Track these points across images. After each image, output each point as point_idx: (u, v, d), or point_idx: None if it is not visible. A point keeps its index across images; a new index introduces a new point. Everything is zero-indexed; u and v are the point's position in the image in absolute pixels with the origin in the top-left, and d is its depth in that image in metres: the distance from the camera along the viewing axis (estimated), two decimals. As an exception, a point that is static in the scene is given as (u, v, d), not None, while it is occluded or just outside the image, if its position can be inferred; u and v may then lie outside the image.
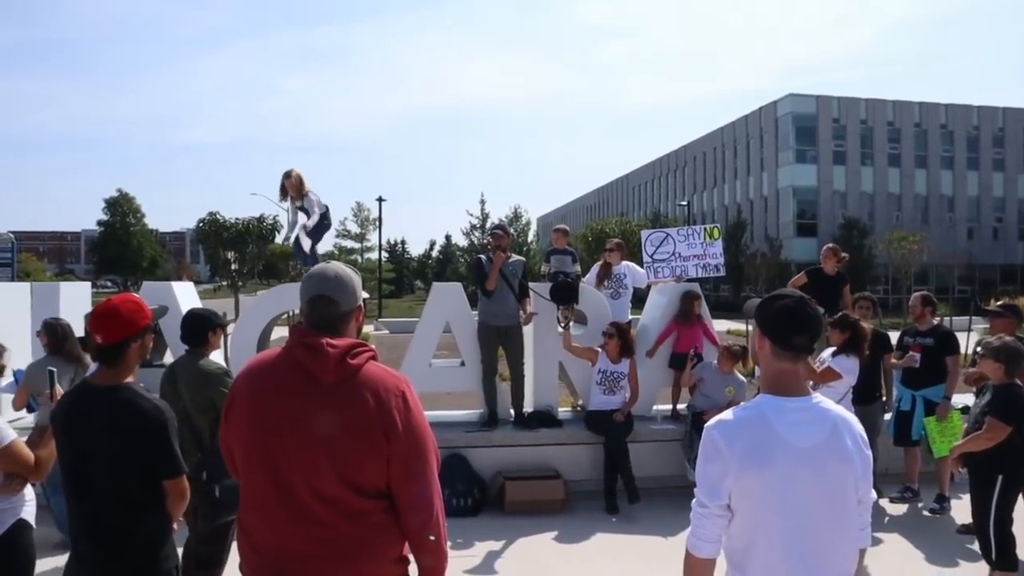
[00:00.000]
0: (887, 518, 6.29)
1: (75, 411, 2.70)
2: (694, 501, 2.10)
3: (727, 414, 2.10)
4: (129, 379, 2.75)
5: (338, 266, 2.22)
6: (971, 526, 5.69)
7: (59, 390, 3.29)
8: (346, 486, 2.01)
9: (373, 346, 2.18)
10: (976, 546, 4.75)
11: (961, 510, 6.23)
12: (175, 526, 2.86)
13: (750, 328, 17.70)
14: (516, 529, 5.86)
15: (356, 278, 2.23)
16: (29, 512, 3.16)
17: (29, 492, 3.18)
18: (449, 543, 5.77)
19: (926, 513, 6.35)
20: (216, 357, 4.63)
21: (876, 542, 5.68)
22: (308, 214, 7.39)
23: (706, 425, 2.10)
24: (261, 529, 2.09)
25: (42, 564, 4.00)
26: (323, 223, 7.56)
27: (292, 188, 7.38)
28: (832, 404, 2.09)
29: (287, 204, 7.49)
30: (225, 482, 3.74)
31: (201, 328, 4.19)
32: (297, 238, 7.46)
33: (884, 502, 6.62)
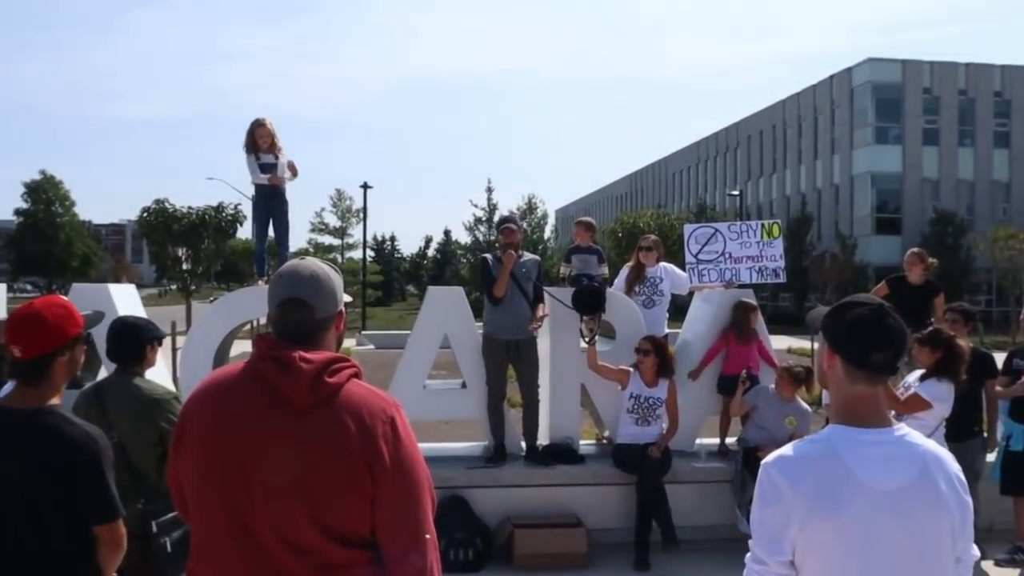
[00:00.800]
0: (994, 582, 6.27)
1: None
2: (748, 556, 2.08)
3: (788, 449, 2.10)
4: (54, 401, 2.75)
5: (314, 263, 2.23)
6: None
7: None
8: (322, 533, 2.01)
9: (356, 362, 2.20)
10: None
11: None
12: None
13: (816, 345, 17.66)
14: (527, 589, 5.89)
15: (336, 278, 2.25)
16: None
17: None
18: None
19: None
20: (155, 376, 4.58)
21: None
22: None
23: (763, 463, 2.09)
24: None
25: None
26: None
27: (265, 138, 7.61)
28: (921, 438, 2.08)
29: (254, 164, 7.70)
30: (175, 534, 3.73)
31: (136, 340, 4.05)
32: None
33: (988, 564, 6.59)
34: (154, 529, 3.79)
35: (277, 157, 7.73)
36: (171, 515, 3.71)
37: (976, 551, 2.11)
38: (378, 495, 2.05)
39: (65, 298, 2.99)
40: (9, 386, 5.34)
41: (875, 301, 2.11)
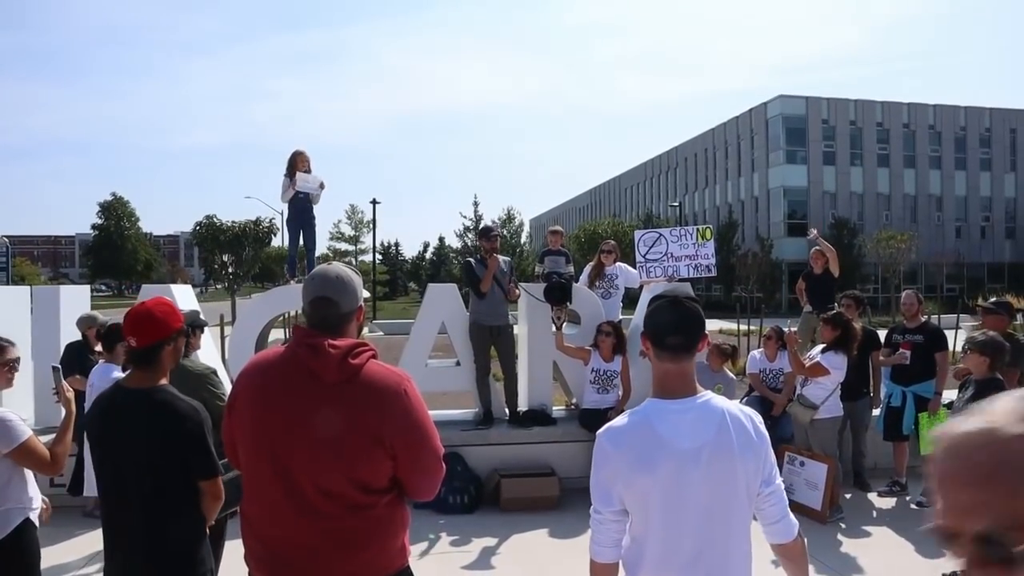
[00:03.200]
0: (875, 511, 6.37)
1: (111, 414, 2.72)
2: (591, 508, 2.07)
3: (616, 421, 2.08)
4: (162, 382, 2.77)
5: (339, 267, 2.25)
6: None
7: (66, 387, 3.32)
8: (350, 482, 2.06)
9: (373, 346, 2.23)
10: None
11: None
12: (210, 524, 2.88)
13: (752, 328, 17.77)
14: (511, 526, 5.92)
15: (357, 279, 2.27)
16: (35, 514, 3.19)
17: (35, 492, 3.21)
18: (446, 540, 5.80)
19: (914, 506, 6.43)
20: (204, 356, 4.55)
21: (864, 535, 5.79)
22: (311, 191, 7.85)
23: (597, 432, 2.08)
24: (264, 521, 2.14)
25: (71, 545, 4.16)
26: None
27: (304, 163, 7.74)
28: (722, 401, 2.04)
29: (288, 183, 7.78)
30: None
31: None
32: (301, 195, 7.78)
33: (873, 496, 6.71)
34: None
35: (307, 182, 7.82)
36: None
37: (780, 482, 2.08)
38: (398, 448, 2.10)
39: (169, 299, 3.00)
40: (101, 370, 5.31)
41: (672, 294, 2.07)
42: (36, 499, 3.21)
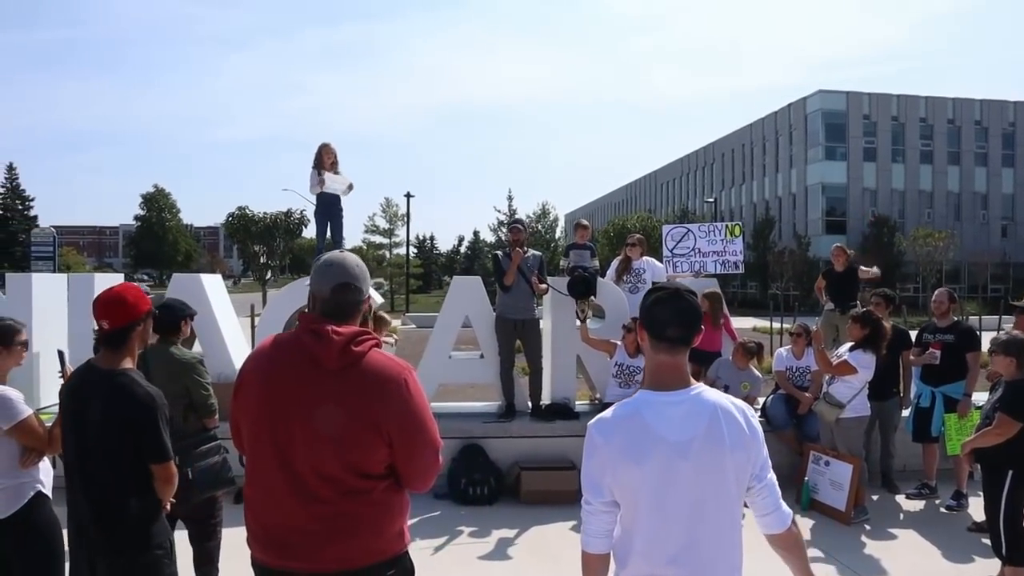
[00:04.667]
0: (903, 514, 6.25)
1: (78, 391, 2.86)
2: (582, 499, 2.07)
3: (606, 412, 2.07)
4: (128, 364, 2.88)
5: (354, 256, 2.30)
6: (982, 524, 5.67)
7: (70, 369, 3.42)
8: (347, 468, 2.09)
9: (376, 335, 2.25)
10: (991, 545, 4.72)
11: (978, 507, 6.14)
12: (166, 507, 2.98)
13: (785, 326, 17.53)
14: (531, 518, 5.93)
15: (366, 268, 2.33)
16: (47, 485, 3.31)
17: (46, 465, 3.33)
18: (466, 530, 5.83)
19: (943, 510, 6.29)
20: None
21: (891, 537, 5.68)
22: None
23: (588, 424, 2.08)
24: (265, 503, 2.18)
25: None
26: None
27: (329, 155, 7.86)
28: (715, 394, 2.03)
29: (317, 178, 7.90)
30: (199, 465, 3.84)
31: (174, 316, 4.15)
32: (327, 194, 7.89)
33: (900, 498, 6.58)
34: (177, 462, 3.89)
35: (336, 174, 7.95)
36: (195, 451, 3.85)
37: (772, 476, 2.07)
38: (394, 437, 2.12)
39: (137, 284, 3.11)
40: None
41: (673, 286, 2.06)
42: (48, 474, 3.33)
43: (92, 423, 2.76)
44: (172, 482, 2.89)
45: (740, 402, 2.07)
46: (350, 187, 8.09)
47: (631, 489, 1.97)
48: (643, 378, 2.10)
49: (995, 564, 4.81)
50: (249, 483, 2.23)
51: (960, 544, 5.50)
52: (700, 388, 2.03)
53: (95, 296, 2.90)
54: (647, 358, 2.08)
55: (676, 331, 2.00)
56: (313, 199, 8.09)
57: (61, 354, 3.55)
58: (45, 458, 3.31)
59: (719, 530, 1.99)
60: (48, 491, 3.30)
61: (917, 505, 6.44)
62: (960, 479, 6.34)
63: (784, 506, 2.10)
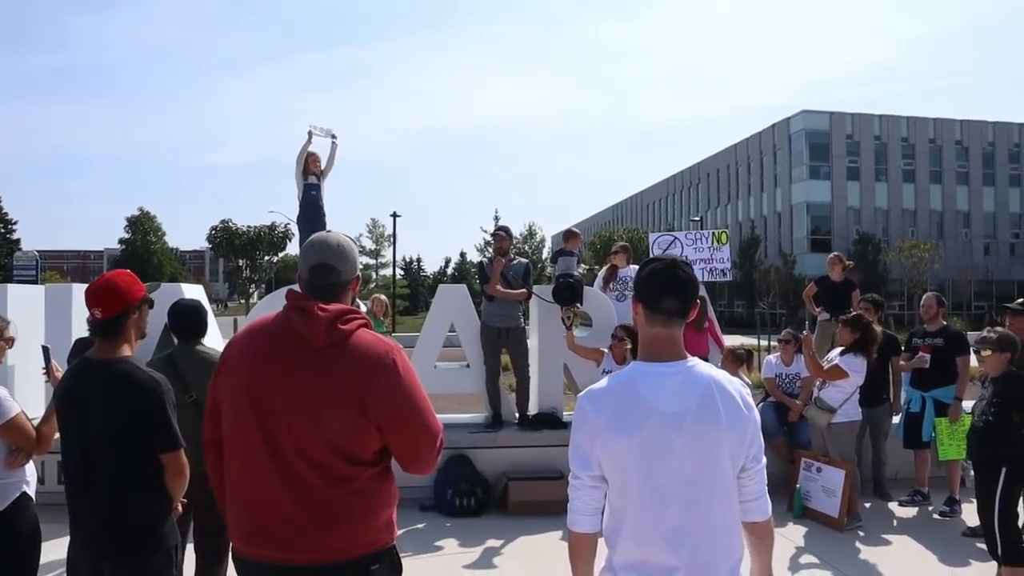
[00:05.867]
0: (896, 521, 6.16)
1: (74, 386, 2.70)
2: (569, 475, 1.99)
3: (599, 383, 2.01)
4: (127, 353, 2.73)
5: (339, 235, 2.21)
6: (977, 529, 5.60)
7: (55, 366, 3.30)
8: (332, 451, 1.99)
9: (364, 314, 2.16)
10: (986, 547, 4.65)
11: (972, 513, 6.08)
12: (178, 507, 2.84)
13: (772, 343, 17.55)
14: (519, 529, 5.79)
15: (355, 249, 2.23)
16: (31, 487, 3.17)
17: (31, 468, 3.19)
18: (453, 542, 5.69)
19: (936, 516, 6.21)
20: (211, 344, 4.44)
21: (885, 543, 5.59)
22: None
23: (578, 396, 2.01)
24: (246, 486, 2.07)
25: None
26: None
27: (316, 163, 8.01)
28: (709, 368, 1.97)
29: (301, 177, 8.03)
30: None
31: (198, 317, 3.96)
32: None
33: (893, 505, 6.50)
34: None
35: (319, 179, 8.02)
36: None
37: (763, 459, 1.99)
38: (383, 419, 2.02)
39: (129, 271, 2.96)
40: None
41: (669, 258, 2.01)
42: (32, 475, 3.19)
43: (94, 417, 2.61)
44: (183, 474, 2.73)
45: (737, 380, 2.00)
46: (334, 137, 8.18)
47: (621, 463, 1.88)
48: (639, 352, 2.01)
49: (991, 568, 4.74)
50: (231, 467, 2.11)
51: (955, 549, 5.42)
52: (695, 361, 1.96)
53: (86, 289, 2.75)
54: (641, 331, 2.00)
55: (672, 303, 1.93)
56: (296, 216, 8.12)
57: (46, 350, 3.43)
58: (31, 462, 3.19)
59: (713, 511, 1.89)
60: (32, 492, 3.17)
61: (910, 512, 6.36)
62: (952, 485, 6.27)
63: (767, 494, 2.02)
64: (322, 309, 2.02)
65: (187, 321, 3.93)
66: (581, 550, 2.00)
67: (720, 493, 1.91)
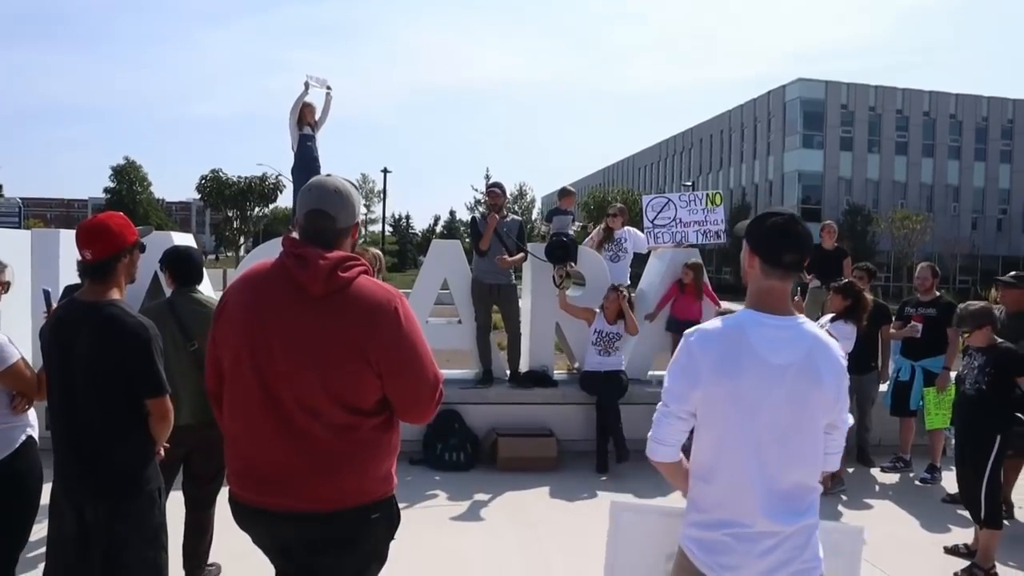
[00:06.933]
0: (878, 486, 6.25)
1: (60, 326, 2.66)
2: (659, 404, 2.05)
3: (708, 323, 2.05)
4: (116, 296, 2.68)
5: (338, 180, 2.13)
6: (956, 495, 5.69)
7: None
8: (332, 400, 1.96)
9: (365, 261, 2.10)
10: (966, 513, 4.74)
11: (951, 481, 6.18)
12: (160, 451, 2.82)
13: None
14: (507, 484, 5.83)
15: (356, 194, 2.16)
16: (35, 432, 3.16)
17: (32, 414, 3.17)
18: (441, 495, 5.72)
19: (917, 483, 6.31)
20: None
21: (867, 507, 5.68)
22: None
23: (685, 333, 2.05)
24: (245, 437, 2.05)
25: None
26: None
27: (311, 114, 7.91)
28: (814, 327, 2.02)
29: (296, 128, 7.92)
30: None
31: (196, 263, 3.93)
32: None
33: (875, 471, 6.59)
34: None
35: (314, 130, 7.92)
36: None
37: (850, 419, 2.11)
38: (384, 367, 1.98)
39: (121, 213, 2.88)
40: None
41: (787, 212, 2.05)
42: (35, 420, 3.18)
43: (79, 358, 2.58)
44: (168, 419, 2.71)
45: (834, 340, 2.05)
46: (328, 88, 8.08)
47: (719, 406, 1.95)
48: (746, 302, 2.06)
49: (970, 532, 4.84)
50: (230, 416, 2.09)
51: (936, 514, 5.52)
52: (803, 319, 2.02)
53: (77, 229, 2.67)
54: (753, 282, 2.03)
55: (792, 257, 1.98)
56: (291, 167, 8.02)
57: (47, 293, 3.35)
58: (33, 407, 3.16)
59: (802, 463, 1.98)
60: (36, 436, 3.15)
61: (892, 478, 6.46)
62: (935, 453, 6.36)
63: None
64: (322, 257, 1.97)
65: (186, 265, 3.86)
66: (671, 472, 2.11)
67: (810, 446, 1.98)
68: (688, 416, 2.00)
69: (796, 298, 6.62)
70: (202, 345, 3.43)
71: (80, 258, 2.67)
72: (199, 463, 3.79)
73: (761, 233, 2.02)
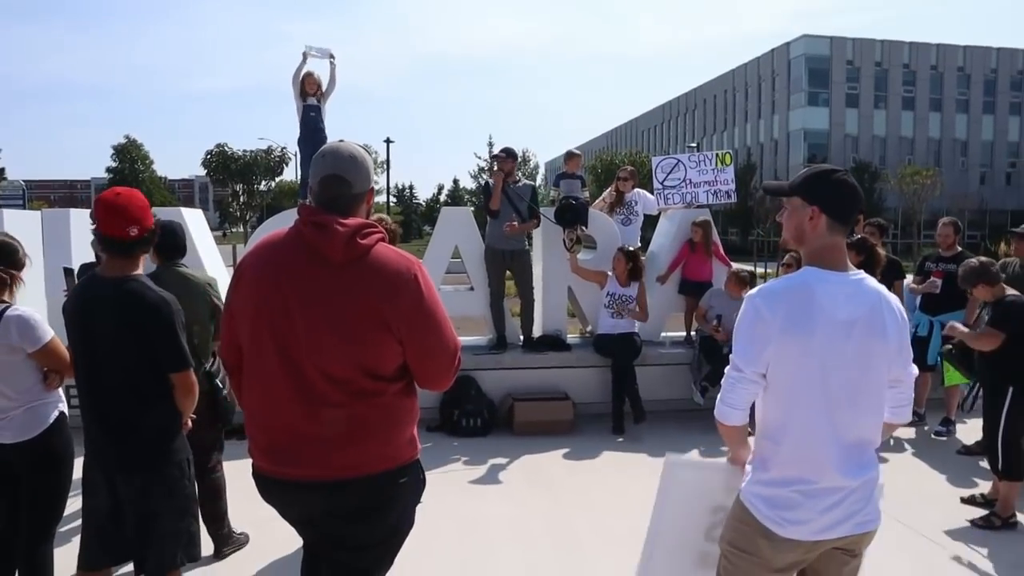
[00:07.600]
0: (893, 440, 6.27)
1: (84, 302, 2.67)
2: (728, 368, 2.06)
3: (772, 283, 2.06)
4: (137, 272, 2.70)
5: (352, 145, 2.10)
6: (972, 447, 5.72)
7: None
8: (355, 367, 1.95)
9: (383, 229, 2.09)
10: (984, 463, 4.76)
11: (966, 434, 6.23)
12: (187, 422, 2.84)
13: (768, 271, 17.55)
14: (524, 448, 5.89)
15: (369, 159, 2.12)
16: (66, 408, 3.18)
17: (60, 390, 3.19)
18: (460, 459, 5.78)
19: (932, 436, 6.34)
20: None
21: (882, 460, 5.65)
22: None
23: (748, 295, 2.06)
24: (267, 409, 2.04)
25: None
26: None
27: (312, 85, 7.89)
28: (875, 282, 2.04)
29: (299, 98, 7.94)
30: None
31: (180, 238, 3.92)
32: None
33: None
34: (217, 383, 3.76)
35: (319, 101, 7.91)
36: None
37: (915, 369, 2.12)
38: (404, 334, 1.98)
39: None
40: None
41: (838, 168, 2.06)
42: (62, 396, 3.20)
43: (103, 335, 2.61)
44: (193, 391, 2.75)
45: (895, 296, 2.07)
46: (332, 57, 8.05)
47: (791, 364, 1.97)
48: (805, 259, 2.08)
49: (987, 484, 4.86)
50: (249, 387, 2.08)
51: (952, 466, 5.55)
52: (864, 275, 2.04)
53: (105, 205, 2.62)
54: (816, 238, 2.02)
55: (858, 212, 2.05)
56: (293, 148, 7.99)
57: (69, 271, 3.34)
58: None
59: (870, 416, 2.02)
60: (67, 412, 3.17)
61: (907, 432, 6.48)
62: (950, 407, 6.38)
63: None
64: (341, 224, 1.94)
65: (171, 239, 3.82)
66: (735, 435, 2.15)
67: (875, 400, 2.02)
68: (759, 379, 2.01)
69: None
70: (190, 317, 3.34)
71: (113, 235, 2.62)
72: (193, 433, 3.85)
73: (830, 190, 2.01)
